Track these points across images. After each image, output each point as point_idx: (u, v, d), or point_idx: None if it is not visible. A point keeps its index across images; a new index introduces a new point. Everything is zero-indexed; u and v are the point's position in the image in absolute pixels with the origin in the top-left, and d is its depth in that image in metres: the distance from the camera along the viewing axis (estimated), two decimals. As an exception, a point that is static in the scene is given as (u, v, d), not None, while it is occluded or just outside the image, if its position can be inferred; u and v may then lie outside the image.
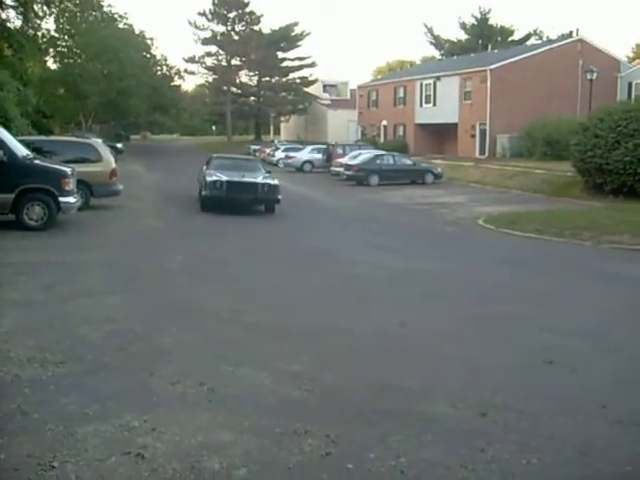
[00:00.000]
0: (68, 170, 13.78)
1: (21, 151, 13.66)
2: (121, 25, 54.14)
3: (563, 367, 6.00)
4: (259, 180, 17.96)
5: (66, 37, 50.19)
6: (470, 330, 7.22)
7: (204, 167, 19.90)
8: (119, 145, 46.75)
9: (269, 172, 19.62)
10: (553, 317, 7.83)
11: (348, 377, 5.52)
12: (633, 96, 37.94)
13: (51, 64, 53.01)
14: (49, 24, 49.92)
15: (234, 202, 17.57)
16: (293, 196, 21.21)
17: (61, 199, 13.30)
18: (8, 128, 17.28)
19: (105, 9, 50.45)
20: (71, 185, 13.71)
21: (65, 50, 51.11)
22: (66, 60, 51.28)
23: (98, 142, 19.12)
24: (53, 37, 48.21)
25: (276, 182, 18.06)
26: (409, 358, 6.14)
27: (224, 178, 17.59)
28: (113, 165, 17.58)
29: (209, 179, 17.67)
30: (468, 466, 3.99)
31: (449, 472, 3.92)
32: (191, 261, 10.73)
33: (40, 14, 40.03)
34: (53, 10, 44.42)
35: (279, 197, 17.79)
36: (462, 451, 4.19)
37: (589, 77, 31.26)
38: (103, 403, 4.74)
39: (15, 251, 11.06)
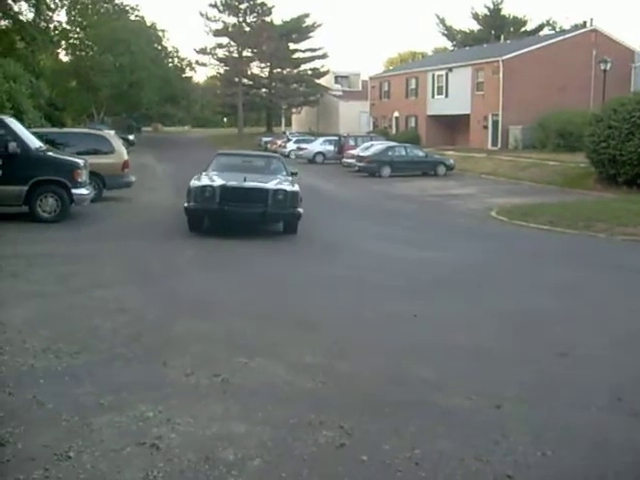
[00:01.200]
0: (81, 162, 13.83)
1: (34, 143, 13.72)
2: (132, 17, 54.32)
3: (578, 359, 5.97)
4: (270, 185, 12.43)
5: (78, 29, 50.36)
6: (484, 321, 7.19)
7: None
8: (131, 137, 46.89)
9: (295, 173, 14.54)
10: (568, 309, 7.79)
11: (362, 368, 5.51)
12: (647, 87, 37.57)
13: (63, 56, 53.30)
14: (61, 16, 50.17)
15: (233, 219, 12.41)
16: (305, 188, 21.14)
17: (74, 191, 13.36)
18: (21, 120, 17.36)
19: (117, 1, 50.51)
20: (84, 177, 13.78)
21: (77, 42, 51.30)
22: (78, 52, 51.46)
23: (110, 134, 19.17)
24: (65, 29, 48.39)
25: (295, 188, 12.54)
26: (423, 349, 6.12)
27: (216, 182, 12.34)
28: (125, 157, 17.64)
29: (195, 184, 12.42)
30: (483, 458, 3.98)
31: (463, 464, 3.91)
32: (201, 255, 10.73)
33: (52, 6, 40.28)
34: (65, 2, 44.67)
35: (300, 210, 12.43)
36: (477, 443, 4.18)
37: (603, 67, 31.00)
38: (117, 394, 4.76)
39: (28, 243, 11.12)
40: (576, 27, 49.67)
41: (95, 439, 4.08)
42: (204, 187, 12.21)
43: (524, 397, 4.97)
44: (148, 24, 58.61)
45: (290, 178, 13.66)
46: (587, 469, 3.94)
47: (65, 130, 21.96)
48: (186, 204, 12.22)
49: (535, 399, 4.95)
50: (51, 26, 39.82)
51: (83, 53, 51.41)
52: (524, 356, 6.05)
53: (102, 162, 16.36)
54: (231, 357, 5.62)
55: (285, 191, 12.33)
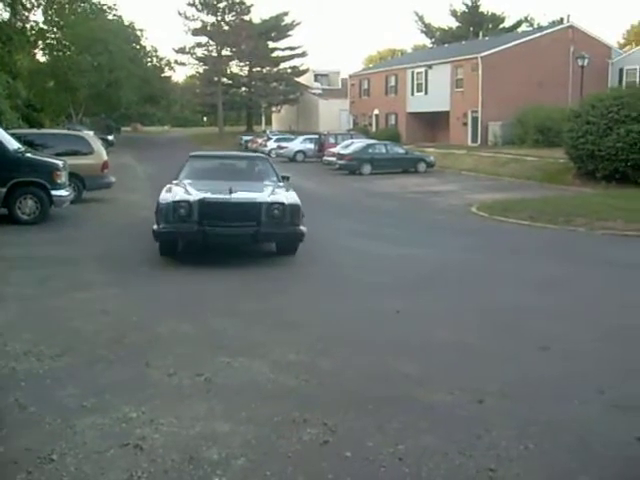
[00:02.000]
0: (60, 163, 13.74)
1: (12, 145, 13.61)
2: (110, 17, 53.76)
3: (559, 353, 6.02)
4: (263, 197, 9.98)
5: (55, 29, 49.79)
6: (466, 317, 7.23)
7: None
8: (110, 137, 46.58)
9: (286, 177, 11.91)
10: (548, 303, 7.85)
11: (345, 365, 5.53)
12: (624, 82, 37.98)
13: (40, 57, 52.66)
14: (37, 16, 49.72)
15: (216, 243, 10.00)
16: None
17: (53, 192, 13.27)
18: (-2, 122, 17.20)
19: (94, 0, 50.06)
20: (63, 178, 13.68)
21: (54, 42, 50.73)
22: (55, 52, 50.92)
23: (89, 134, 19.08)
24: (42, 29, 47.82)
25: (295, 199, 10.10)
26: (405, 345, 6.15)
27: (193, 196, 9.70)
28: (105, 157, 17.53)
29: (166, 199, 9.74)
30: (466, 452, 4.01)
31: (447, 458, 3.94)
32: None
33: (28, 6, 39.84)
34: (41, 2, 44.13)
35: (302, 229, 9.93)
36: (460, 437, 4.21)
37: (580, 63, 31.23)
38: (100, 395, 4.74)
39: (8, 245, 11.03)
40: (554, 24, 50.11)
41: (78, 441, 4.07)
42: (178, 203, 9.49)
43: (506, 392, 5.00)
44: (126, 23, 58.22)
45: (282, 184, 11.16)
46: (570, 462, 3.98)
47: (43, 131, 21.80)
48: (155, 226, 9.55)
49: (517, 393, 4.99)
50: (27, 26, 39.42)
51: (60, 53, 50.87)
52: (506, 351, 6.10)
53: (81, 163, 16.23)
54: (214, 357, 5.62)
55: (282, 205, 9.75)
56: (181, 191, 10.02)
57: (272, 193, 10.22)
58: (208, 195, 9.76)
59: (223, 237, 9.75)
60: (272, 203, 9.77)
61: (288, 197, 10.11)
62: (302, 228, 9.93)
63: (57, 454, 3.89)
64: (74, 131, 20.43)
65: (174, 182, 10.80)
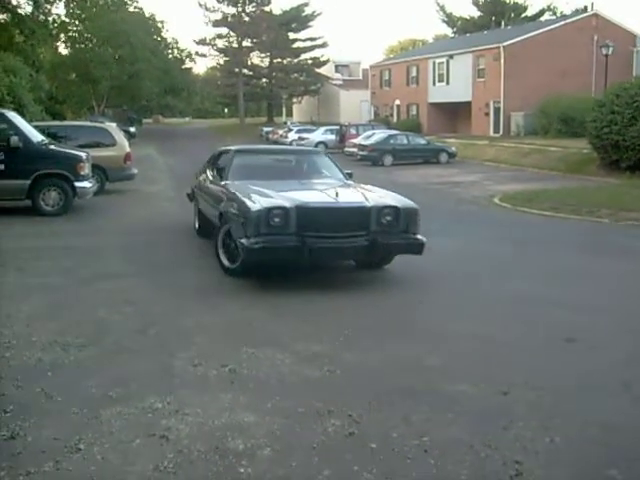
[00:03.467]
0: (83, 155, 13.83)
1: (36, 137, 13.72)
2: (131, 9, 54.06)
3: (584, 345, 5.96)
4: (370, 201, 8.09)
5: (77, 22, 50.21)
6: (490, 308, 7.19)
7: (208, 172, 10.73)
8: (132, 129, 46.81)
9: (350, 174, 10.30)
10: (574, 295, 7.78)
11: (368, 356, 5.52)
12: (649, 71, 37.44)
13: (62, 49, 53.14)
14: (59, 9, 50.09)
15: (321, 258, 8.17)
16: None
17: (77, 184, 13.37)
18: (22, 114, 17.36)
19: (115, -8, 50.34)
20: (86, 170, 13.77)
21: (76, 35, 51.16)
22: (77, 45, 51.33)
23: (112, 126, 19.15)
24: (64, 22, 48.16)
25: (409, 203, 8.28)
26: (428, 337, 6.12)
27: (292, 201, 7.75)
28: (127, 149, 17.63)
29: (255, 206, 7.68)
30: (491, 445, 3.99)
31: (472, 450, 3.92)
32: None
33: (50, -1, 39.99)
34: (63, -5, 44.38)
35: (422, 238, 8.13)
36: (485, 429, 4.19)
37: (604, 52, 30.88)
38: (126, 386, 4.77)
39: (33, 236, 11.13)
40: (577, 12, 49.49)
41: (104, 431, 4.10)
42: (272, 211, 7.55)
43: (531, 383, 4.96)
44: (147, 15, 58.43)
45: (353, 182, 9.81)
46: (596, 454, 3.94)
47: (67, 123, 21.99)
48: (245, 241, 7.50)
49: (542, 385, 4.95)
50: (50, 19, 39.56)
51: (82, 45, 51.25)
52: (530, 342, 6.05)
53: (104, 155, 16.35)
54: (238, 347, 5.63)
55: (396, 209, 8.01)
56: (262, 196, 8.00)
57: (372, 196, 8.36)
58: (309, 200, 7.94)
59: (331, 252, 7.82)
60: (383, 207, 7.98)
61: (398, 199, 8.34)
62: (421, 237, 8.16)
63: (84, 444, 3.93)
64: (97, 123, 20.53)
65: (230, 184, 9.02)
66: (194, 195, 11.69)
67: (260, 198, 7.90)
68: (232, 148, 10.79)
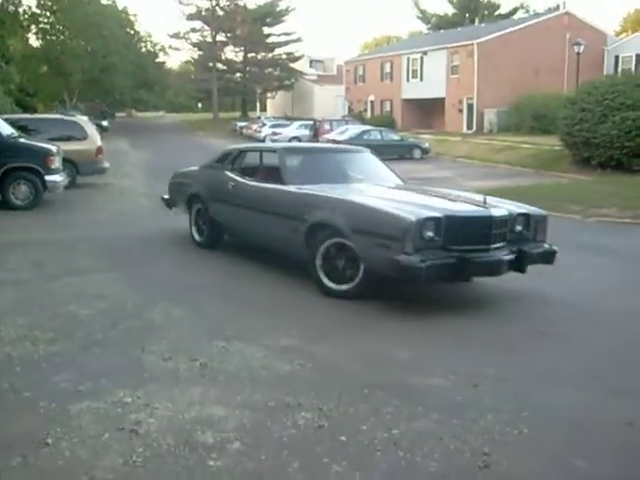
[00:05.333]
0: (54, 148, 13.69)
1: (5, 130, 13.55)
2: (104, 1, 53.47)
3: (555, 338, 6.04)
4: (506, 209, 7.22)
5: (48, 13, 49.54)
6: (460, 302, 7.24)
7: (233, 175, 9.25)
8: (104, 123, 46.37)
9: (405, 181, 9.45)
10: (542, 288, 7.85)
11: (339, 350, 5.53)
12: (620, 69, 37.97)
13: (33, 41, 52.38)
14: (30, 0, 49.30)
15: (471, 274, 7.19)
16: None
17: (47, 178, 13.24)
18: (-8, 106, 17.11)
19: (87, -15, 49.72)
20: (57, 163, 13.63)
21: (47, 27, 50.47)
22: (49, 37, 50.66)
23: (83, 119, 18.92)
24: (35, 13, 47.56)
25: (534, 209, 7.72)
26: (400, 330, 6.15)
27: (439, 211, 6.76)
28: (99, 143, 17.46)
29: (409, 216, 6.50)
30: (460, 437, 4.02)
31: (441, 443, 3.95)
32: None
33: (21, -10, 39.45)
34: (34, -14, 43.81)
35: (554, 247, 7.51)
36: (454, 422, 4.22)
37: (576, 50, 31.23)
38: (95, 380, 4.74)
39: (2, 231, 11.01)
40: (549, 10, 49.96)
41: (73, 425, 4.07)
42: (427, 221, 6.53)
43: (501, 376, 5.01)
44: (120, 8, 57.90)
45: (411, 184, 9.23)
46: (564, 446, 4.00)
47: (37, 116, 21.70)
48: (402, 257, 6.35)
49: (512, 378, 5.00)
50: (20, 10, 39.12)
51: (54, 37, 50.60)
52: (501, 335, 6.11)
53: (75, 148, 16.18)
54: (209, 341, 5.62)
55: (527, 216, 7.38)
56: (396, 202, 7.12)
57: (494, 202, 7.47)
58: (457, 209, 7.10)
59: (488, 267, 6.89)
60: (517, 216, 7.27)
61: (517, 205, 7.63)
62: (551, 245, 7.55)
63: (52, 438, 3.90)
64: (68, 116, 20.31)
65: (293, 188, 8.02)
66: (191, 201, 10.05)
67: (403, 206, 6.86)
68: (275, 147, 9.94)
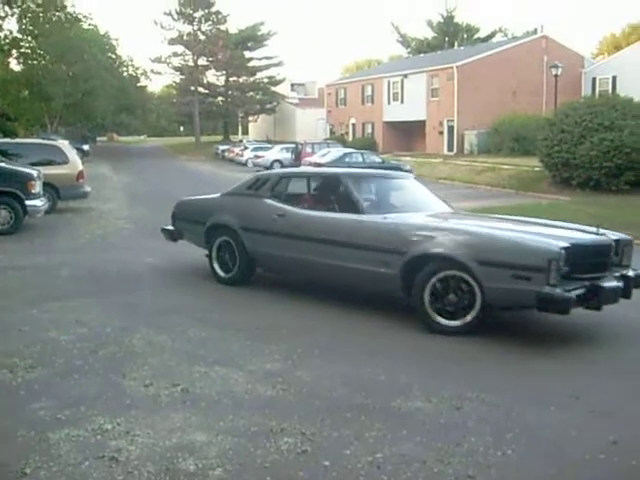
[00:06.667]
0: (34, 173, 13.61)
1: (-15, 154, 13.46)
2: (85, 26, 53.50)
3: (535, 357, 6.05)
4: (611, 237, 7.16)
5: (29, 38, 49.47)
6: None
7: (279, 204, 8.46)
8: (85, 147, 46.30)
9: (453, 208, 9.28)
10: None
11: (322, 374, 5.50)
12: (597, 91, 38.50)
13: (14, 65, 52.24)
14: (11, 24, 49.27)
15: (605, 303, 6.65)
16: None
17: (28, 202, 13.15)
18: (-28, 131, 17.02)
19: (69, 9, 49.78)
20: (37, 188, 13.55)
21: (29, 51, 50.37)
22: (30, 61, 50.51)
23: (64, 144, 18.89)
24: (16, 38, 47.51)
25: (621, 235, 7.51)
26: (381, 352, 6.14)
27: (563, 240, 6.56)
28: (80, 167, 17.40)
29: (550, 246, 6.31)
30: (444, 460, 4.00)
31: (425, 466, 3.93)
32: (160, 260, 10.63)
33: (2, 14, 39.47)
34: (15, 10, 43.79)
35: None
36: (438, 445, 4.20)
37: (554, 72, 31.63)
38: (75, 407, 4.67)
39: (-19, 256, 10.88)
40: (527, 34, 50.68)
41: (53, 454, 4.00)
42: (562, 251, 6.23)
43: (483, 398, 5.00)
44: (101, 33, 57.96)
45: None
46: (547, 467, 3.99)
47: (18, 140, 21.61)
48: (548, 289, 6.14)
49: (494, 399, 4.99)
50: (1, 34, 39.09)
51: (35, 62, 50.48)
52: (483, 356, 6.11)
53: (56, 173, 16.10)
54: (191, 367, 5.57)
55: (617, 242, 7.18)
56: (519, 232, 6.99)
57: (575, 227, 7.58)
58: (584, 237, 7.03)
59: (612, 294, 6.60)
60: (616, 242, 7.12)
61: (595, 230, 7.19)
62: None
63: (30, 468, 3.82)
64: (49, 140, 20.24)
65: (376, 218, 7.50)
66: (213, 233, 9.12)
67: (534, 237, 6.68)
68: (336, 172, 9.21)
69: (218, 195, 9.68)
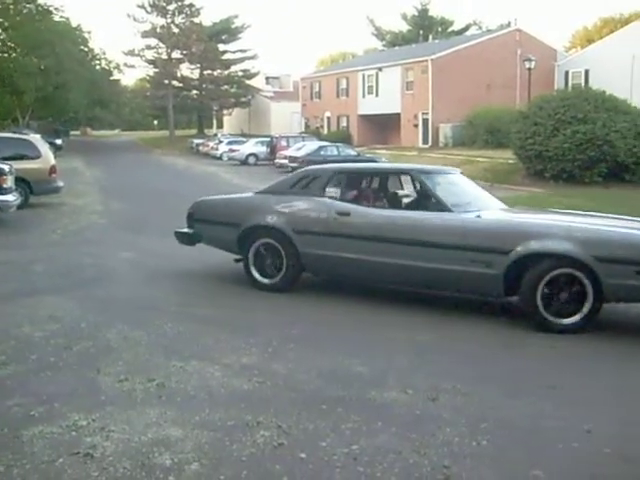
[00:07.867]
0: (5, 167, 13.43)
1: (-45, 149, 13.27)
2: (57, 18, 52.85)
3: (516, 350, 6.11)
4: None
5: (-1, 30, 48.82)
6: (417, 315, 7.27)
7: (325, 201, 7.99)
8: (58, 141, 45.77)
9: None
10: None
11: (298, 367, 5.50)
12: (570, 84, 38.84)
13: (-16, 59, 51.48)
14: (-19, 18, 48.51)
15: None
16: (238, 189, 21.06)
17: (-1, 197, 12.97)
18: (-59, 125, 16.75)
19: (40, 1, 49.14)
20: (9, 183, 13.38)
21: (-1, 44, 49.71)
22: (0, 54, 49.85)
23: (36, 138, 18.64)
24: (-15, 31, 46.85)
25: None
26: (357, 344, 6.15)
27: None
28: (52, 161, 17.18)
29: None
30: (420, 451, 4.03)
31: (401, 457, 3.95)
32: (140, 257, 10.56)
33: (-29, 7, 38.85)
34: (-16, 3, 43.16)
35: None
36: (413, 436, 4.22)
37: (527, 66, 31.89)
38: (49, 404, 4.63)
39: (-48, 252, 10.73)
40: (501, 27, 50.98)
41: (26, 451, 3.96)
42: None
43: (459, 389, 5.04)
44: (73, 25, 57.27)
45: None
46: (522, 455, 4.03)
47: (-12, 135, 21.29)
48: None
49: (469, 390, 5.03)
50: (-29, 28, 38.52)
51: (5, 55, 49.83)
52: (459, 348, 6.15)
53: (28, 167, 15.89)
54: (167, 361, 5.54)
55: None
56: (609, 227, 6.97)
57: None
58: None
59: None
60: None
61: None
62: None
63: (3, 465, 3.78)
64: (20, 135, 19.97)
65: (470, 216, 7.22)
66: (250, 236, 8.31)
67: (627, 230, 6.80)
68: (406, 168, 8.89)
69: (250, 194, 9.04)
